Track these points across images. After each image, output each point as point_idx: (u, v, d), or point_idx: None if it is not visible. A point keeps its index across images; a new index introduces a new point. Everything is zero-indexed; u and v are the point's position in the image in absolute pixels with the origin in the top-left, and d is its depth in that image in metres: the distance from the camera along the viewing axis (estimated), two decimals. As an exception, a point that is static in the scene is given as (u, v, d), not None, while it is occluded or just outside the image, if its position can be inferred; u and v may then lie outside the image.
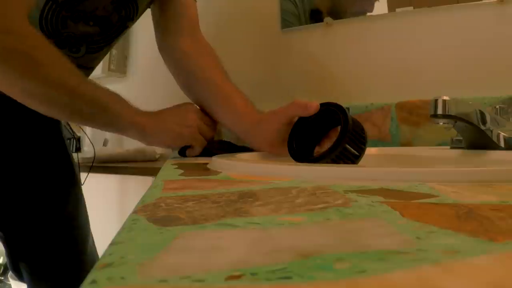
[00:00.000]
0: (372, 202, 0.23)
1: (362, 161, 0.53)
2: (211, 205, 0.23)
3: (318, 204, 0.23)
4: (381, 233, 0.17)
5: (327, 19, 1.06)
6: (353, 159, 0.52)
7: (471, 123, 0.58)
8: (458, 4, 0.91)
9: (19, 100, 0.57)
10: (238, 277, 0.12)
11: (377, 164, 0.66)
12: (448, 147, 0.68)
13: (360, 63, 1.03)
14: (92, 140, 1.20)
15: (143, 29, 1.03)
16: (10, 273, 1.58)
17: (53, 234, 0.77)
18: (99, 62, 0.83)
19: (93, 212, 0.91)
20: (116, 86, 0.92)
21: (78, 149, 1.19)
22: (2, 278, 1.77)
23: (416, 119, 0.91)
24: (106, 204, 1.59)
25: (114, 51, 1.47)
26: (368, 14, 1.02)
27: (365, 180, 0.31)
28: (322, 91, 1.07)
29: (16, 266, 0.78)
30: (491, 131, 0.59)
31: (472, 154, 0.62)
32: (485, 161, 0.59)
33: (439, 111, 0.56)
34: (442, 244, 0.15)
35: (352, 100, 1.01)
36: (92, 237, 0.88)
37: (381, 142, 0.94)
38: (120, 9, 0.73)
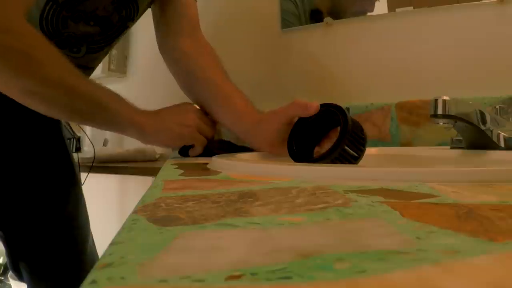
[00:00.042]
0: (372, 202, 0.23)
1: (362, 161, 0.53)
2: (211, 205, 0.23)
3: (318, 204, 0.23)
4: (381, 233, 0.17)
5: (327, 19, 1.06)
6: (352, 161, 0.52)
7: (471, 123, 0.58)
8: (458, 4, 0.91)
9: (18, 100, 0.57)
10: (238, 277, 0.12)
11: (377, 164, 0.66)
12: (448, 147, 0.68)
13: (360, 63, 1.03)
14: (92, 140, 1.20)
15: (143, 29, 1.03)
16: (10, 273, 1.58)
17: (53, 234, 0.77)
18: (99, 62, 0.83)
19: (93, 212, 0.91)
20: (116, 86, 0.92)
21: (78, 149, 1.18)
22: (2, 278, 1.77)
23: (416, 119, 0.91)
24: (106, 204, 1.59)
25: (114, 51, 1.47)
26: (368, 14, 1.02)
27: (365, 180, 0.31)
28: (322, 91, 1.07)
29: (16, 266, 0.78)
30: (491, 131, 0.59)
31: (472, 154, 0.61)
32: (485, 161, 0.59)
33: (439, 111, 0.56)
34: (442, 244, 0.15)
35: (352, 100, 1.01)
36: (92, 237, 0.88)
37: (381, 142, 0.94)
38: (120, 9, 0.73)
